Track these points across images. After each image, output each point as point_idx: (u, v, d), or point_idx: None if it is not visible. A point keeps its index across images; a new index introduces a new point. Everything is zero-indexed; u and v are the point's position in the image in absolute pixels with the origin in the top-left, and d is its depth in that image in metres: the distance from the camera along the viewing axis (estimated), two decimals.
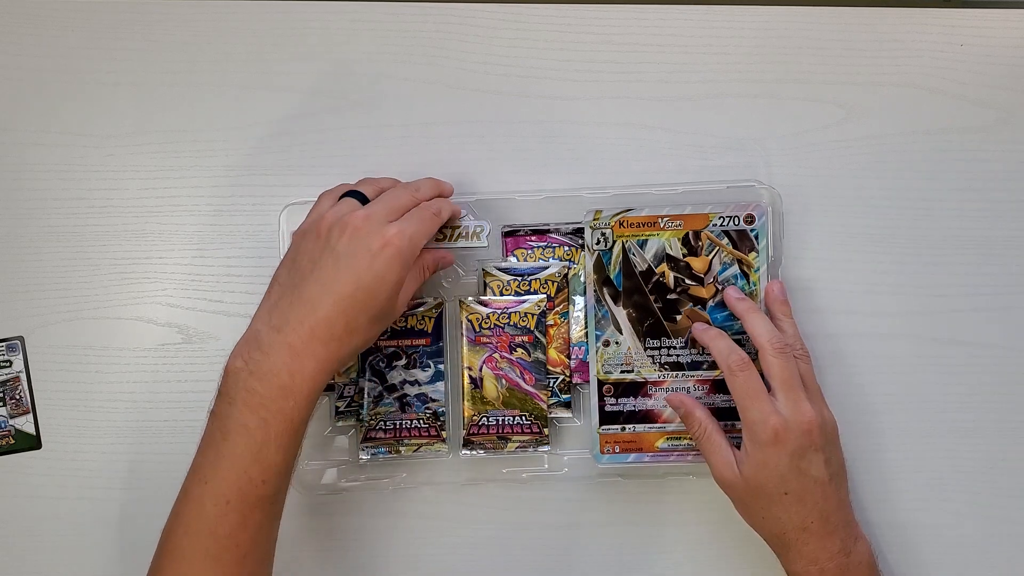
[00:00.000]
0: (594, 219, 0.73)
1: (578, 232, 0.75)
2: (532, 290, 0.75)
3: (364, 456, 0.74)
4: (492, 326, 0.74)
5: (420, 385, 0.74)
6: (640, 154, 0.78)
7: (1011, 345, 0.79)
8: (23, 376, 0.76)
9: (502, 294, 0.75)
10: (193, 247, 0.77)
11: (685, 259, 0.73)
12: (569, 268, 0.75)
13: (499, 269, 0.75)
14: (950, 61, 0.80)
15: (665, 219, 0.73)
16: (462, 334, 0.74)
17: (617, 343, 0.73)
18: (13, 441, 0.76)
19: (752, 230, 0.73)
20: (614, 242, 0.73)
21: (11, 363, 0.76)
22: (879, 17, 0.80)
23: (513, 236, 0.75)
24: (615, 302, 0.73)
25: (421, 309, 0.74)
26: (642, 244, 0.73)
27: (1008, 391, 0.79)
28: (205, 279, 0.77)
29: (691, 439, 0.71)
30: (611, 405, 0.73)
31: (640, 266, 0.73)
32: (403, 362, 0.74)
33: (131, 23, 0.78)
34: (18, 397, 0.76)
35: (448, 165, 0.78)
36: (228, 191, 0.77)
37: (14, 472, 0.76)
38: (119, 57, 0.78)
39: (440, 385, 0.74)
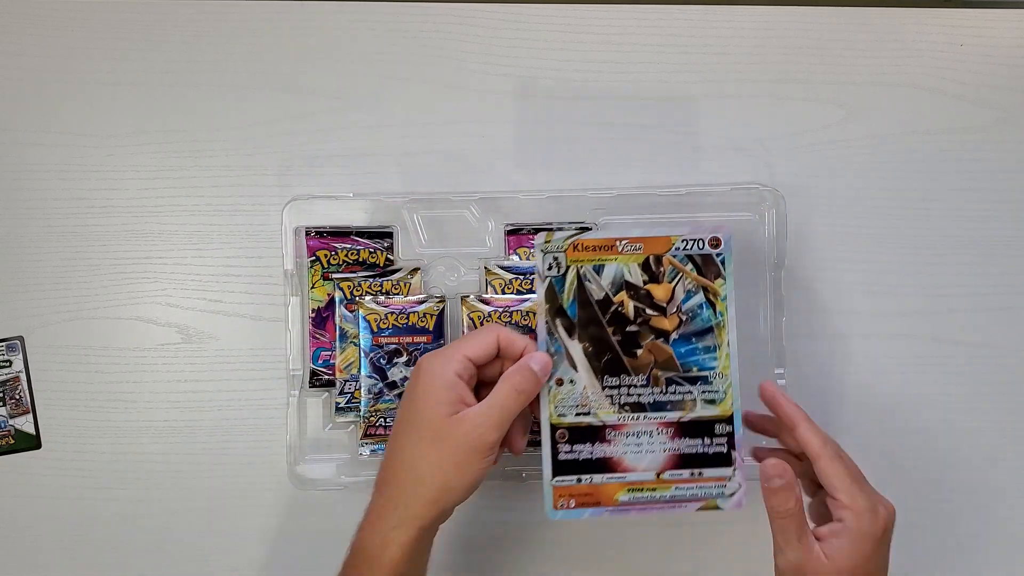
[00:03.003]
0: (545, 242, 0.65)
1: (580, 232, 0.75)
2: (534, 289, 0.75)
3: (364, 452, 0.74)
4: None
5: None
6: (640, 154, 0.79)
7: (1011, 345, 0.79)
8: (23, 376, 0.76)
9: (504, 292, 0.75)
10: (193, 247, 0.77)
11: (646, 287, 0.66)
12: None
13: (501, 267, 0.75)
14: (950, 61, 0.80)
15: (623, 243, 0.66)
16: (464, 332, 0.74)
17: (572, 382, 0.65)
18: (13, 441, 0.76)
19: (718, 254, 0.66)
20: (568, 268, 0.65)
21: (11, 363, 0.76)
22: (879, 17, 0.80)
23: (515, 234, 0.75)
24: (569, 335, 0.65)
25: (423, 307, 0.74)
26: (598, 270, 0.65)
27: (1008, 391, 0.79)
28: (205, 279, 0.77)
29: (772, 514, 0.63)
30: (565, 453, 0.65)
31: (597, 294, 0.65)
32: (404, 359, 0.74)
33: (131, 23, 0.78)
34: (18, 397, 0.76)
35: (448, 165, 0.78)
36: (228, 191, 0.77)
37: (14, 472, 0.76)
38: (119, 57, 0.78)
39: None
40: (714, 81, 0.79)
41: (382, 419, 0.74)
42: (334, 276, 0.75)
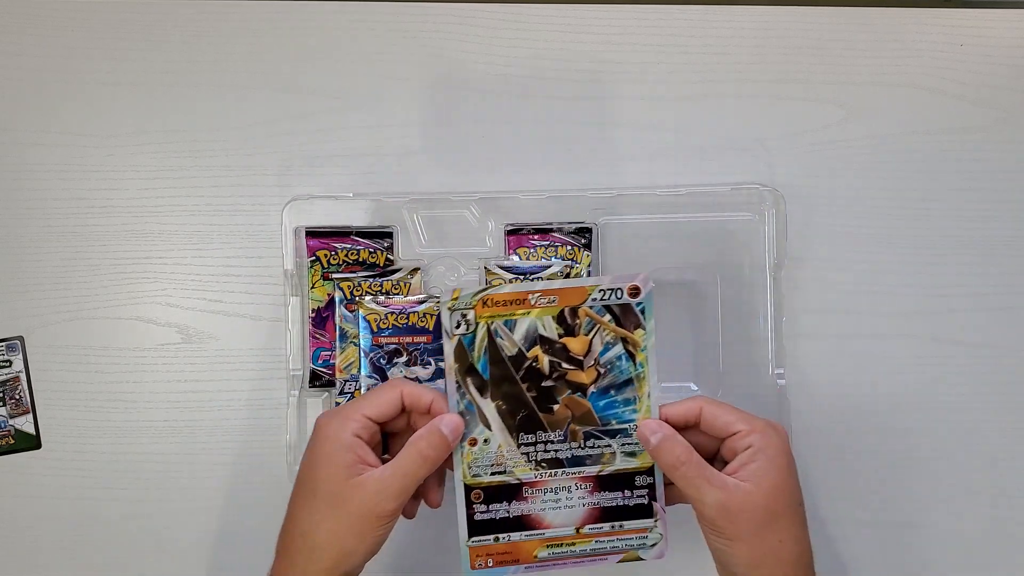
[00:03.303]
0: (452, 299, 0.62)
1: (581, 232, 0.75)
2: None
3: None
4: None
5: (421, 382, 0.74)
6: (640, 154, 0.78)
7: (1011, 345, 0.79)
8: (23, 376, 0.76)
9: None
10: (193, 247, 0.77)
11: (561, 340, 0.63)
12: (571, 267, 0.75)
13: (501, 267, 0.75)
14: (950, 61, 0.80)
15: (536, 295, 0.62)
16: None
17: (486, 441, 0.63)
18: (13, 441, 0.76)
19: (638, 304, 0.63)
20: (477, 325, 0.63)
21: (11, 363, 0.76)
22: (879, 17, 0.80)
23: (515, 235, 0.75)
24: (481, 394, 0.63)
25: (423, 307, 0.74)
26: (511, 325, 0.63)
27: (1008, 391, 0.79)
28: (205, 279, 0.77)
29: (669, 471, 0.62)
30: (481, 513, 0.64)
31: (509, 350, 0.63)
32: (404, 359, 0.74)
33: (131, 23, 0.78)
34: (18, 397, 0.76)
35: (448, 165, 0.78)
36: (228, 191, 0.77)
37: (14, 472, 0.76)
38: (119, 57, 0.78)
39: (441, 382, 0.74)
40: (714, 81, 0.79)
41: None
42: (334, 276, 0.75)
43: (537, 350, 0.63)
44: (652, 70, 0.79)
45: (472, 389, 0.63)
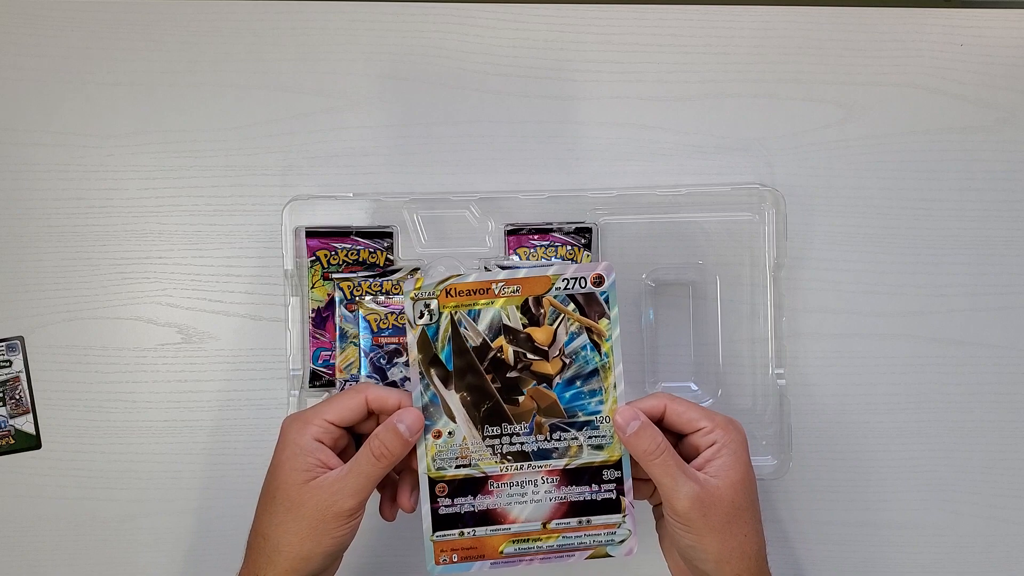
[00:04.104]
0: (415, 288, 0.62)
1: (581, 232, 0.75)
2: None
3: None
4: None
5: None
6: (640, 154, 0.78)
7: (1011, 345, 0.79)
8: (23, 376, 0.76)
9: None
10: (193, 247, 0.77)
11: (526, 330, 0.62)
12: None
13: (501, 267, 0.75)
14: (950, 61, 0.80)
15: (500, 285, 0.62)
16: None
17: (450, 433, 0.62)
18: (13, 441, 0.76)
19: (602, 292, 0.62)
20: (441, 315, 0.62)
21: (11, 363, 0.76)
22: (879, 17, 0.80)
23: (515, 235, 0.75)
24: (446, 385, 0.62)
25: None
26: (474, 315, 0.62)
27: (1008, 391, 0.79)
28: (205, 279, 0.77)
29: (646, 459, 0.61)
30: (446, 507, 0.63)
31: (473, 341, 0.62)
32: (404, 359, 0.74)
33: (131, 23, 0.78)
34: (18, 397, 0.76)
35: (448, 165, 0.78)
36: (228, 191, 0.77)
37: (14, 472, 0.76)
38: (119, 57, 0.78)
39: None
40: (714, 81, 0.79)
41: None
42: (334, 276, 0.75)
43: (501, 340, 0.62)
44: (652, 70, 0.79)
45: (436, 380, 0.62)
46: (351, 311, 0.74)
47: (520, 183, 0.78)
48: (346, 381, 0.74)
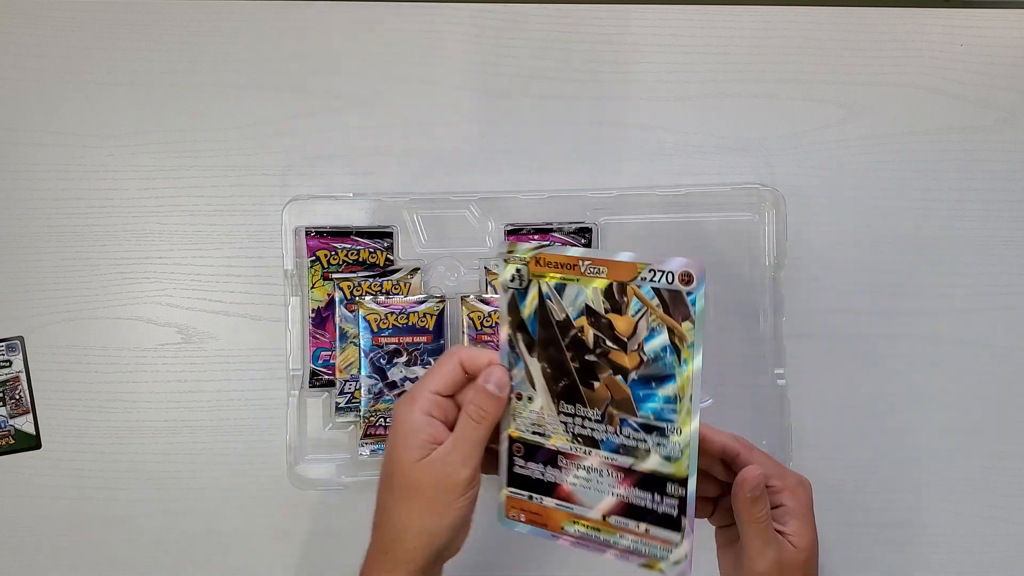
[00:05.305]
0: (508, 251, 0.61)
1: (581, 232, 0.75)
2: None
3: (364, 452, 0.74)
4: (494, 324, 0.74)
5: None
6: (640, 154, 0.79)
7: (1011, 345, 0.79)
8: (23, 376, 0.76)
9: None
10: (193, 247, 0.77)
11: (607, 315, 0.60)
12: None
13: None
14: (950, 61, 0.80)
15: (586, 263, 0.60)
16: (463, 332, 0.74)
17: (530, 399, 0.62)
18: (13, 441, 0.76)
19: (689, 294, 0.58)
20: (530, 282, 0.61)
21: (11, 363, 0.76)
22: (879, 17, 0.80)
23: (515, 235, 0.75)
24: (530, 351, 0.61)
25: (423, 307, 0.74)
26: (560, 289, 0.61)
27: (1008, 391, 0.79)
28: (205, 279, 0.77)
29: (750, 520, 0.61)
30: (520, 467, 0.63)
31: (557, 315, 0.61)
32: (404, 359, 0.74)
33: (131, 23, 0.78)
34: (18, 397, 0.76)
35: (448, 164, 0.78)
36: (228, 191, 0.77)
37: (14, 472, 0.76)
38: (119, 57, 0.78)
39: None
40: (714, 81, 0.79)
41: (382, 419, 0.74)
42: (334, 276, 0.75)
43: (583, 321, 0.61)
44: (652, 70, 0.79)
45: (521, 345, 0.62)
46: (351, 311, 0.74)
47: (520, 183, 0.78)
48: (346, 381, 0.74)
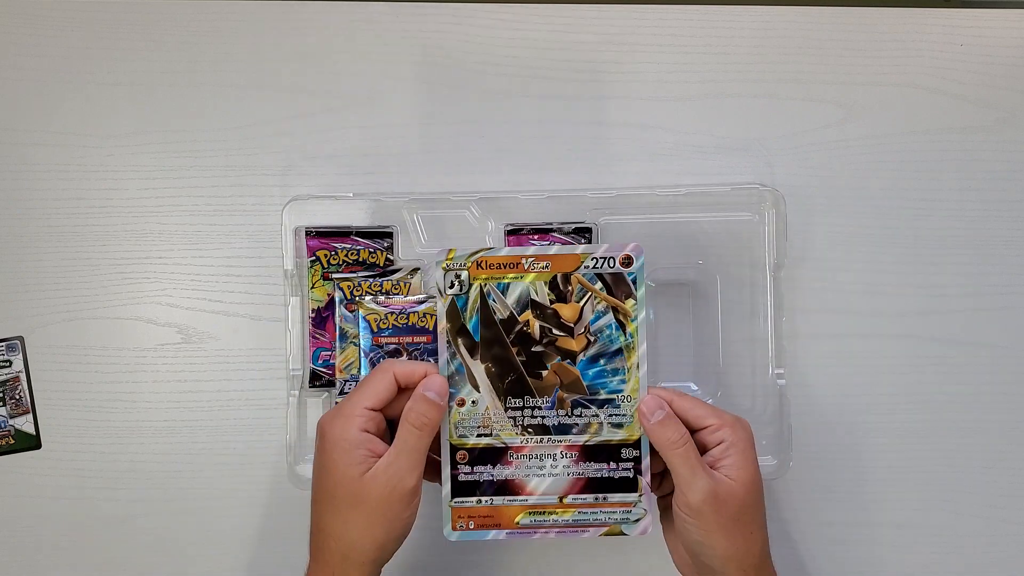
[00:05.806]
0: (447, 259, 0.64)
1: (580, 232, 0.75)
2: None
3: None
4: None
5: None
6: (640, 154, 0.78)
7: (1011, 345, 0.79)
8: (23, 376, 0.76)
9: None
10: (193, 247, 0.77)
11: (552, 306, 0.63)
12: None
13: None
14: (950, 61, 0.80)
15: (530, 260, 0.63)
16: None
17: (474, 402, 0.64)
18: (13, 441, 0.76)
19: (630, 274, 0.63)
20: (470, 285, 0.64)
21: (11, 363, 0.76)
22: (879, 17, 0.80)
23: (515, 235, 0.75)
24: (472, 355, 0.64)
25: (423, 307, 0.74)
26: (503, 288, 0.63)
27: (1008, 391, 0.79)
28: (205, 279, 0.77)
29: (667, 448, 0.61)
30: (466, 474, 0.64)
31: (501, 313, 0.63)
32: (404, 359, 0.74)
33: (131, 23, 0.78)
34: (18, 397, 0.76)
35: (448, 165, 0.78)
36: (228, 191, 0.77)
37: (14, 472, 0.76)
38: (119, 57, 0.78)
39: None
40: (714, 81, 0.79)
41: None
42: (334, 276, 0.75)
43: (528, 315, 0.64)
44: (652, 70, 0.79)
45: (463, 349, 0.64)
46: (351, 311, 0.74)
47: (520, 183, 0.78)
48: (346, 381, 0.74)
